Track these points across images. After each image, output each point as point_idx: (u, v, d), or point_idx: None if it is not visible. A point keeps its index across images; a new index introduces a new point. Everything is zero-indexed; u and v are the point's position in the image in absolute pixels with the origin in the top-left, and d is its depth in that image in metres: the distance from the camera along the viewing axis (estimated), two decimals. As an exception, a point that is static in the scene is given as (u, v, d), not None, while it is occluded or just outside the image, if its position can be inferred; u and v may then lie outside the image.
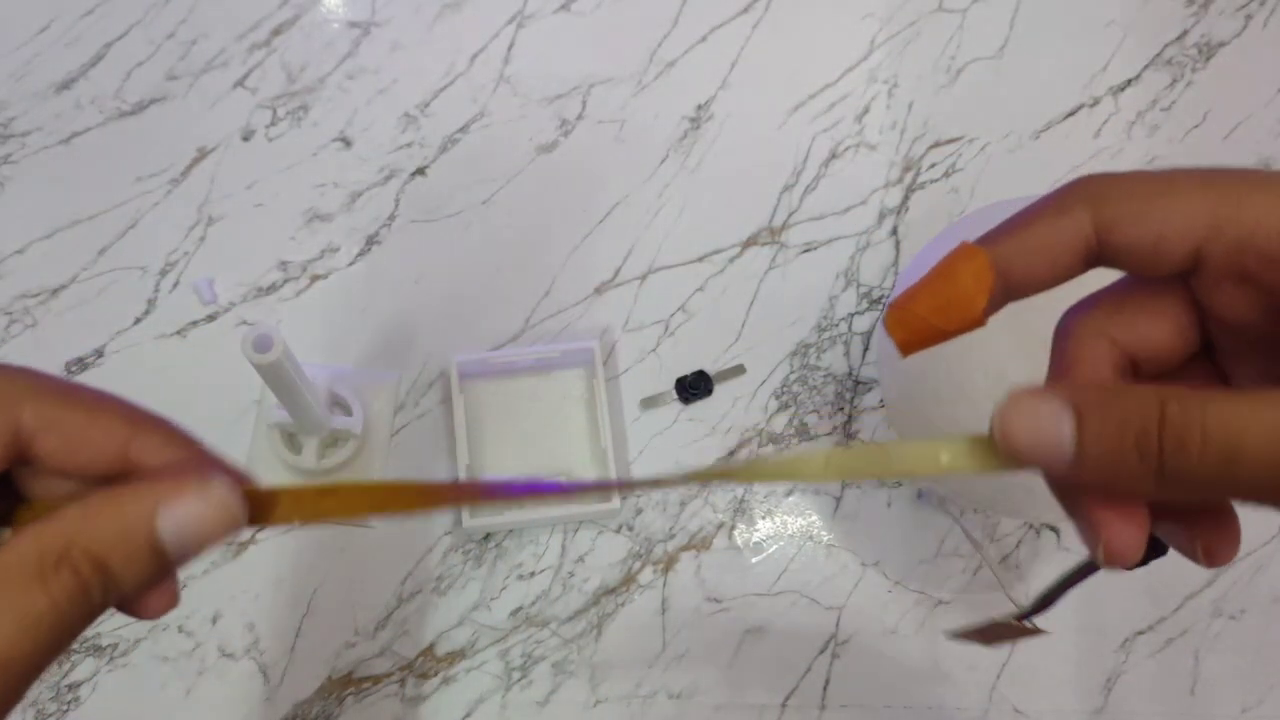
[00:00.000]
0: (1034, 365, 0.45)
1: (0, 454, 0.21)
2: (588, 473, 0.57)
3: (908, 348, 0.25)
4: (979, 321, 0.24)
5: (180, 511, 0.21)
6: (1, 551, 0.20)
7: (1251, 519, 0.63)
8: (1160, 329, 0.24)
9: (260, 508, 0.22)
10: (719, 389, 0.60)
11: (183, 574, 0.54)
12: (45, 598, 0.19)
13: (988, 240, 0.24)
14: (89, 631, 0.53)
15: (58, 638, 0.20)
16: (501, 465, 0.57)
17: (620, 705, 0.54)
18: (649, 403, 0.59)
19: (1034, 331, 0.45)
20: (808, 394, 0.60)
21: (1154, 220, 0.22)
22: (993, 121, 0.67)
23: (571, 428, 0.58)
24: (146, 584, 0.21)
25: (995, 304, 0.24)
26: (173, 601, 0.23)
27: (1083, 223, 0.23)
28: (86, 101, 0.64)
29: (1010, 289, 0.24)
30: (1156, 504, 0.23)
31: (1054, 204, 0.23)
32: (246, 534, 0.56)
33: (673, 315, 0.62)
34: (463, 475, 0.55)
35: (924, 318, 0.25)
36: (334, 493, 0.22)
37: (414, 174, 0.64)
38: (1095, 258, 0.23)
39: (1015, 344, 0.46)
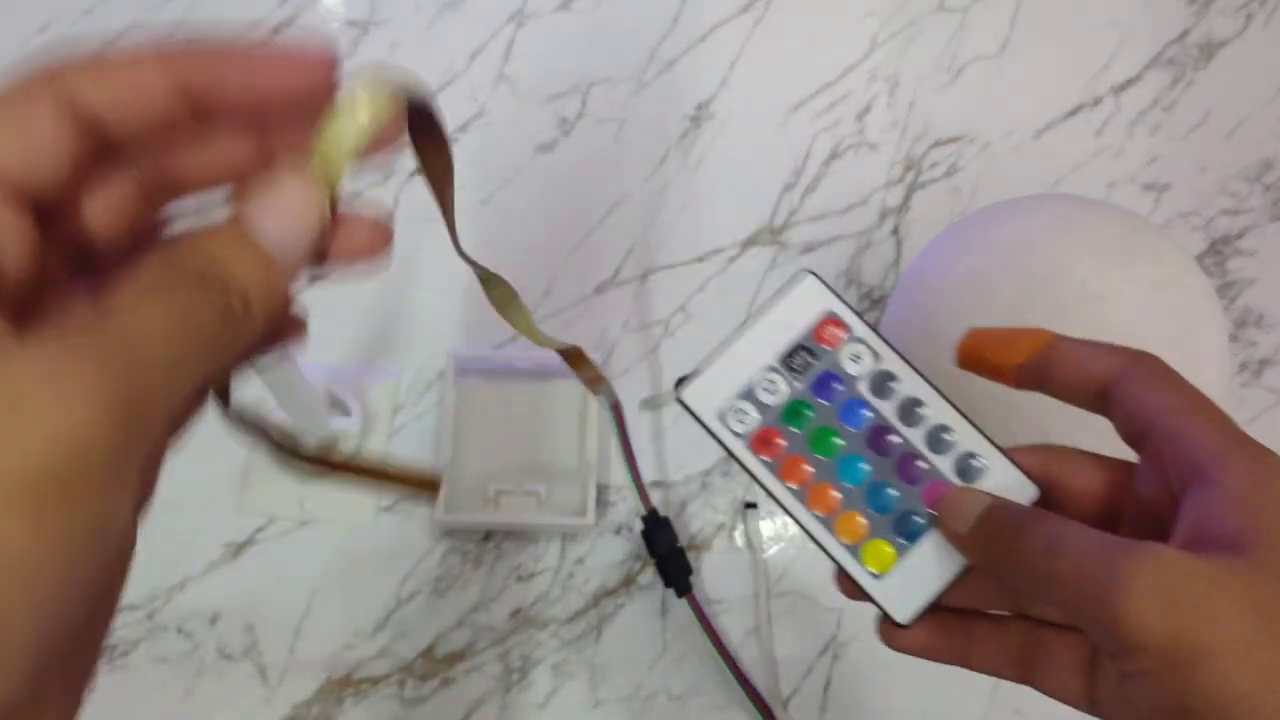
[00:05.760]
0: (1035, 366, 0.45)
1: (70, 130, 0.21)
2: (570, 484, 0.57)
3: (962, 356, 0.31)
4: (1008, 379, 0.30)
5: (260, 203, 0.22)
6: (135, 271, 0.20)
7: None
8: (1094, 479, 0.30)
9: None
10: (719, 389, 0.60)
11: (182, 574, 0.54)
12: (181, 289, 0.20)
13: (1064, 338, 0.30)
14: (87, 632, 0.53)
15: (203, 336, 0.20)
16: (484, 463, 0.57)
17: (620, 706, 0.54)
18: (649, 403, 0.59)
19: (1035, 332, 0.45)
20: (808, 394, 0.60)
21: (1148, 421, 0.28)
22: (994, 121, 0.67)
23: (560, 438, 0.58)
24: (264, 283, 0.21)
25: (1027, 380, 0.30)
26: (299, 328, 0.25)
27: (1112, 371, 0.28)
28: (85, 101, 0.64)
29: (1044, 379, 0.30)
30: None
31: (1119, 350, 0.29)
32: (246, 534, 0.56)
33: (673, 315, 0.62)
34: (444, 469, 0.55)
35: (979, 347, 0.31)
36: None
37: (413, 174, 0.64)
38: (1101, 406, 0.29)
39: (1016, 344, 0.45)
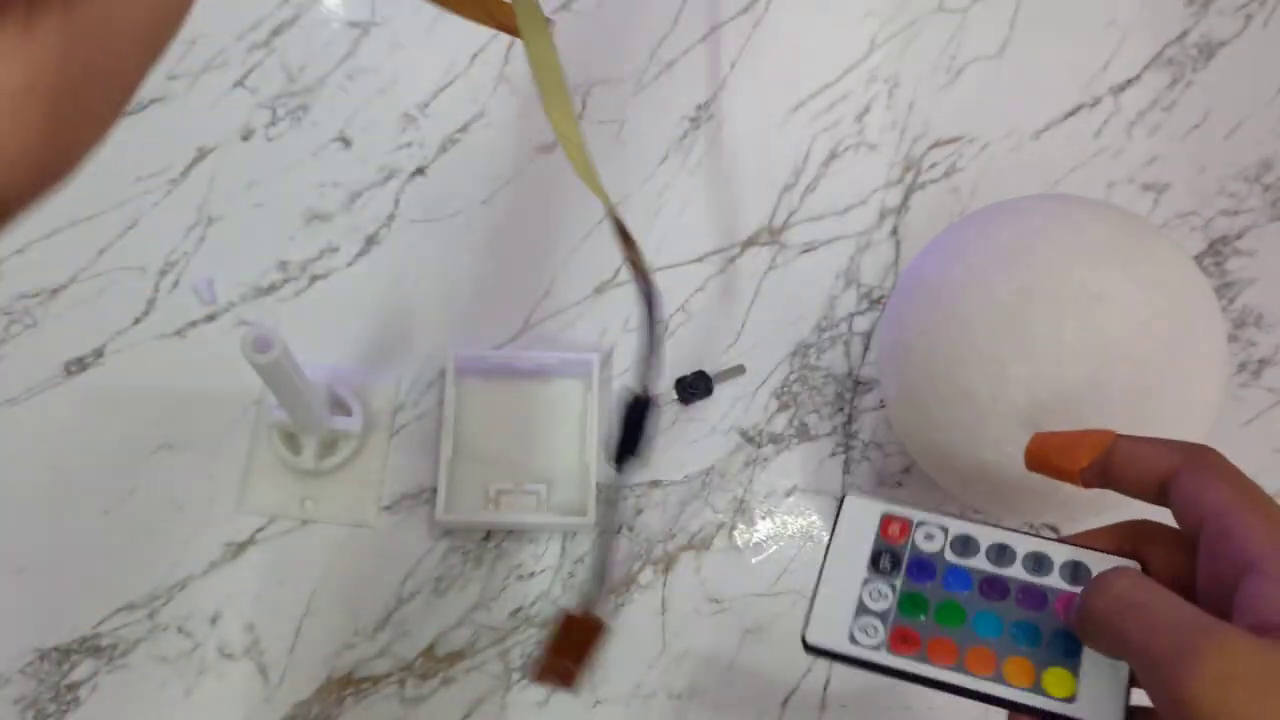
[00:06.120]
0: (1033, 366, 0.45)
1: None
2: (570, 484, 0.57)
3: (1029, 461, 0.34)
4: (1075, 480, 0.32)
5: None
6: None
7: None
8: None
9: None
10: (719, 389, 0.60)
11: (183, 574, 0.55)
12: None
13: (1124, 437, 0.32)
14: (88, 631, 0.53)
15: None
16: (485, 462, 0.57)
17: (620, 706, 0.54)
18: (649, 403, 0.59)
19: (1034, 333, 0.45)
20: (808, 394, 0.60)
21: (1202, 509, 0.29)
22: (993, 121, 0.67)
23: (560, 437, 0.58)
24: None
25: (1092, 480, 0.32)
26: None
27: (1170, 469, 0.30)
28: (86, 101, 0.64)
29: (1108, 479, 0.32)
30: None
31: (1176, 447, 0.31)
32: (246, 534, 0.56)
33: (673, 315, 0.62)
34: (443, 468, 0.55)
35: (1045, 452, 0.33)
36: None
37: (414, 174, 0.64)
38: (1163, 500, 0.31)
39: (1015, 344, 0.46)
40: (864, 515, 0.34)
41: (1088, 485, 0.32)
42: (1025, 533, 0.33)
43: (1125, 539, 0.32)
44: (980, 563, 0.32)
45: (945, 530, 0.33)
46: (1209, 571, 0.29)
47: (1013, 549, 0.33)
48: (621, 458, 0.51)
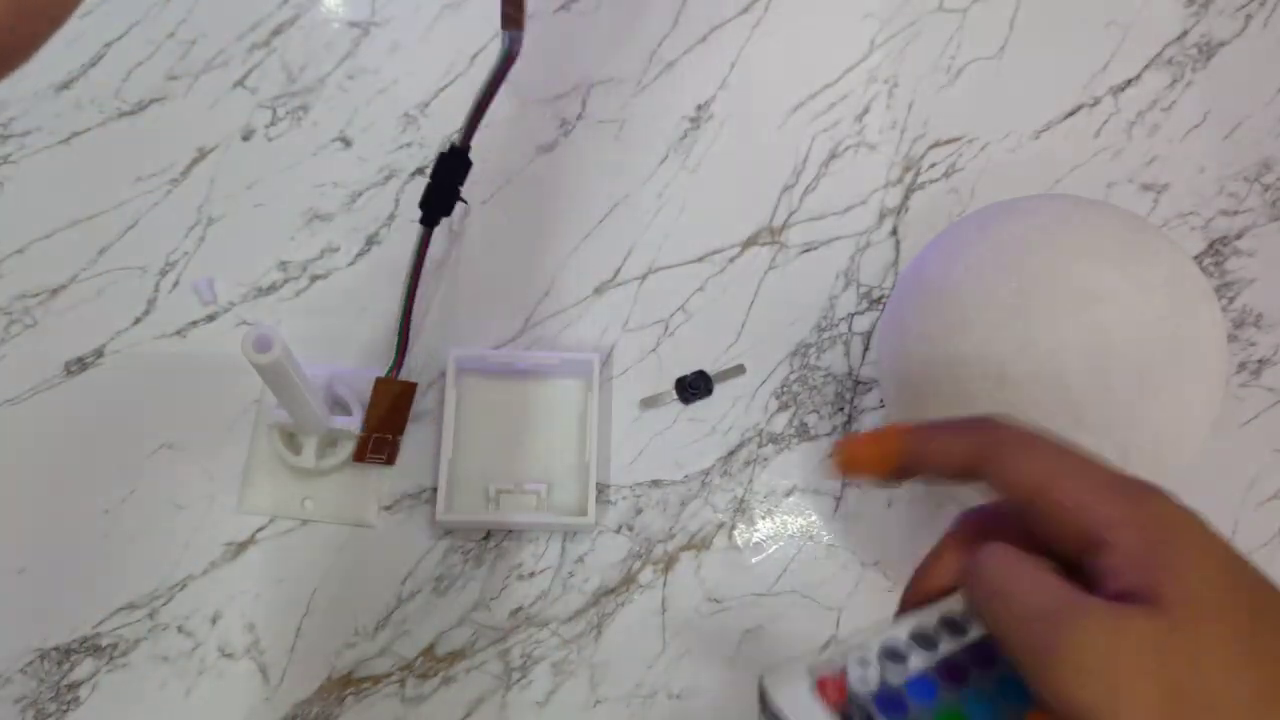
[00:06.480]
0: (1034, 366, 0.45)
1: None
2: (570, 484, 0.57)
3: (839, 471, 0.33)
4: (883, 478, 0.32)
5: None
6: None
7: (1250, 520, 0.62)
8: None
9: None
10: (719, 389, 0.60)
11: (183, 574, 0.55)
12: None
13: (918, 428, 0.31)
14: (89, 631, 0.53)
15: None
16: (485, 462, 0.57)
17: (620, 705, 0.54)
18: (649, 403, 0.59)
19: (1034, 333, 0.45)
20: (808, 394, 0.60)
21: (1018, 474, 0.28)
22: (993, 121, 0.67)
23: (560, 437, 0.58)
24: None
25: (904, 476, 0.32)
26: None
27: (970, 452, 0.29)
28: (86, 101, 0.64)
29: (917, 473, 0.31)
30: None
31: (968, 425, 0.30)
32: (246, 534, 0.56)
33: (673, 315, 0.62)
34: (444, 468, 0.55)
35: (850, 461, 0.32)
36: None
37: (414, 174, 0.64)
38: (975, 479, 0.30)
39: (1015, 345, 0.46)
40: (797, 692, 0.29)
41: (901, 480, 0.32)
42: (922, 609, 0.31)
43: (969, 547, 0.30)
44: (921, 660, 0.30)
45: (871, 652, 0.30)
46: (1054, 543, 0.28)
47: (927, 629, 0.30)
48: (430, 215, 0.53)
